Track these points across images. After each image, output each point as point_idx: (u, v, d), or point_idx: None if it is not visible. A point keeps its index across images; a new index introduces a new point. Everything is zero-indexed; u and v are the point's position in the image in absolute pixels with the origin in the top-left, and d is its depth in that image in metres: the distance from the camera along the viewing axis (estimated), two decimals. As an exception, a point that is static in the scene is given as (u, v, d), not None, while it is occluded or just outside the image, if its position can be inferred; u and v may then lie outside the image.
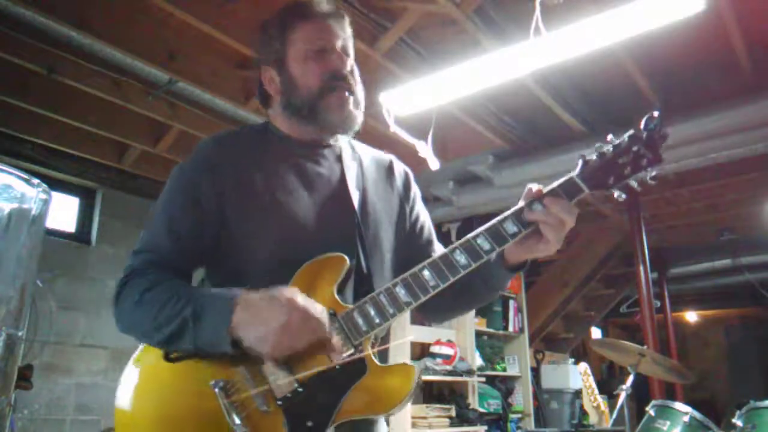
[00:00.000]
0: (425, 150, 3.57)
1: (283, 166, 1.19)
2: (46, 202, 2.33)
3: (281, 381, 1.02)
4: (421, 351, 4.92)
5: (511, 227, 1.06)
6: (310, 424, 1.01)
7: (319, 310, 1.02)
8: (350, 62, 1.23)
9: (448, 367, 4.69)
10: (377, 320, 1.05)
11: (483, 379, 5.13)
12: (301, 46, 1.19)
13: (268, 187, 1.14)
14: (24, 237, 2.23)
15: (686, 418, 2.76)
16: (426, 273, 1.06)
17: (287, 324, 0.98)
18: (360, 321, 1.06)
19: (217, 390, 1.01)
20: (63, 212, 4.34)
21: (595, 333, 9.22)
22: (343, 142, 1.28)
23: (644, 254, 4.96)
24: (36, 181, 2.29)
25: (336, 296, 1.08)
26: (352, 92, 1.20)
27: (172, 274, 1.11)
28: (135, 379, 1.08)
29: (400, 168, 1.36)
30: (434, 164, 3.71)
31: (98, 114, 3.75)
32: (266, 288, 1.02)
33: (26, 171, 2.32)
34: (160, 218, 1.14)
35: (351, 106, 1.20)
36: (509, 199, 4.52)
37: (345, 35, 1.23)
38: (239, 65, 3.52)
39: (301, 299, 1.01)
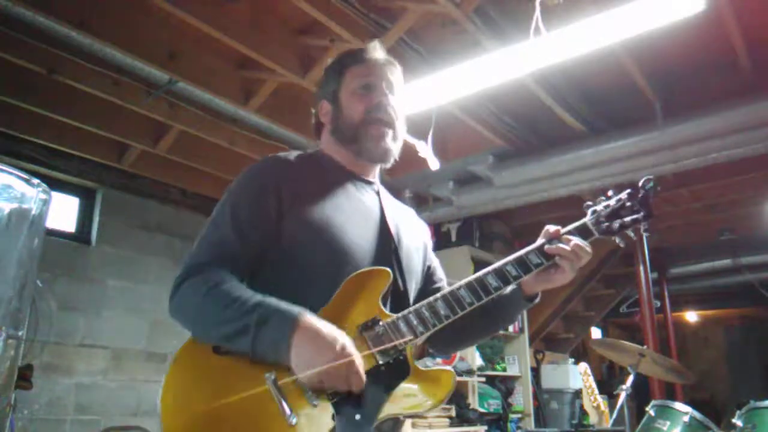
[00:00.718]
0: (425, 150, 3.56)
1: (334, 188, 1.32)
2: (46, 202, 2.33)
3: None
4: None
5: (535, 259, 1.24)
6: (358, 417, 1.09)
7: (359, 364, 1.09)
8: (393, 99, 1.37)
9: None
10: (420, 328, 1.18)
11: (483, 379, 5.13)
12: (351, 82, 1.37)
13: (323, 206, 1.26)
14: (24, 237, 2.22)
15: (686, 418, 2.76)
16: (462, 292, 1.22)
17: (332, 369, 1.05)
18: (404, 328, 1.17)
19: (269, 382, 1.08)
20: (63, 212, 4.33)
21: (595, 333, 9.22)
22: (380, 186, 1.44)
23: (644, 254, 4.97)
24: (36, 181, 2.28)
25: (381, 305, 1.19)
26: (391, 126, 1.35)
27: (235, 274, 1.18)
28: (185, 373, 1.11)
29: (419, 219, 1.57)
30: (434, 164, 3.70)
31: (98, 114, 3.75)
32: (323, 293, 1.16)
33: (26, 171, 2.30)
34: (226, 216, 1.22)
35: (388, 139, 1.34)
36: (509, 199, 4.53)
37: (393, 79, 1.39)
38: (239, 65, 3.52)
39: (354, 352, 1.08)
